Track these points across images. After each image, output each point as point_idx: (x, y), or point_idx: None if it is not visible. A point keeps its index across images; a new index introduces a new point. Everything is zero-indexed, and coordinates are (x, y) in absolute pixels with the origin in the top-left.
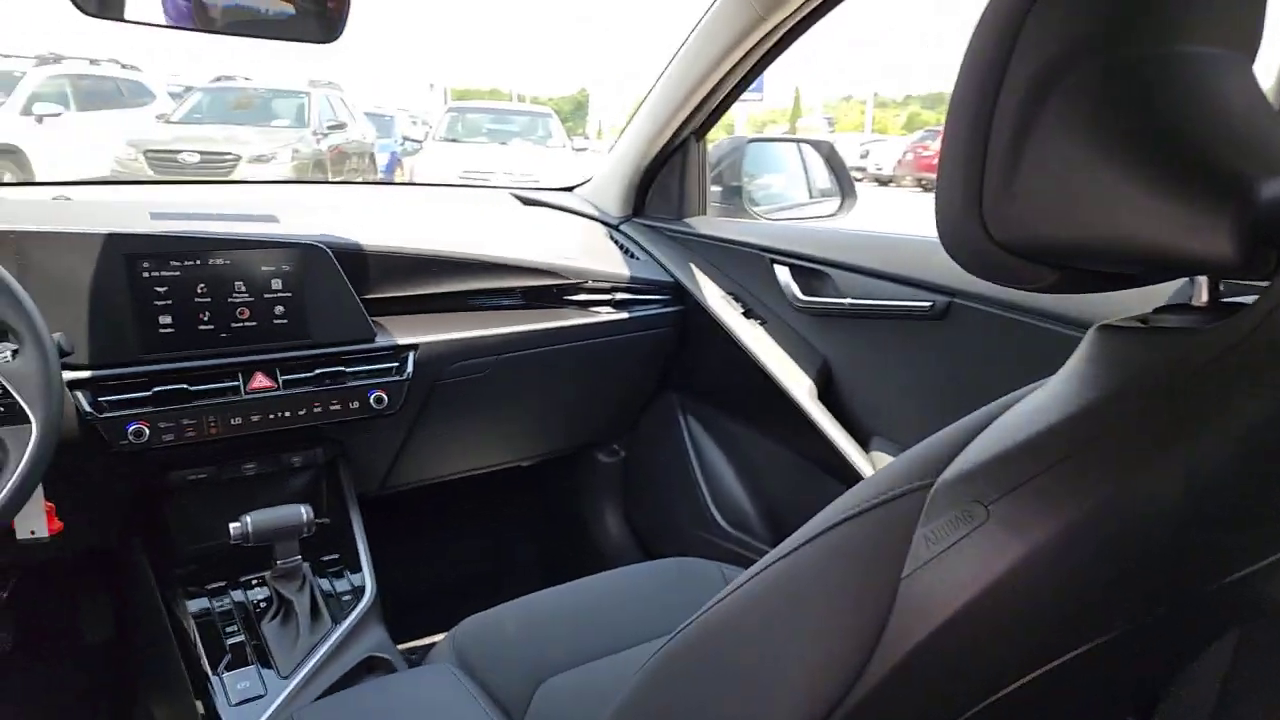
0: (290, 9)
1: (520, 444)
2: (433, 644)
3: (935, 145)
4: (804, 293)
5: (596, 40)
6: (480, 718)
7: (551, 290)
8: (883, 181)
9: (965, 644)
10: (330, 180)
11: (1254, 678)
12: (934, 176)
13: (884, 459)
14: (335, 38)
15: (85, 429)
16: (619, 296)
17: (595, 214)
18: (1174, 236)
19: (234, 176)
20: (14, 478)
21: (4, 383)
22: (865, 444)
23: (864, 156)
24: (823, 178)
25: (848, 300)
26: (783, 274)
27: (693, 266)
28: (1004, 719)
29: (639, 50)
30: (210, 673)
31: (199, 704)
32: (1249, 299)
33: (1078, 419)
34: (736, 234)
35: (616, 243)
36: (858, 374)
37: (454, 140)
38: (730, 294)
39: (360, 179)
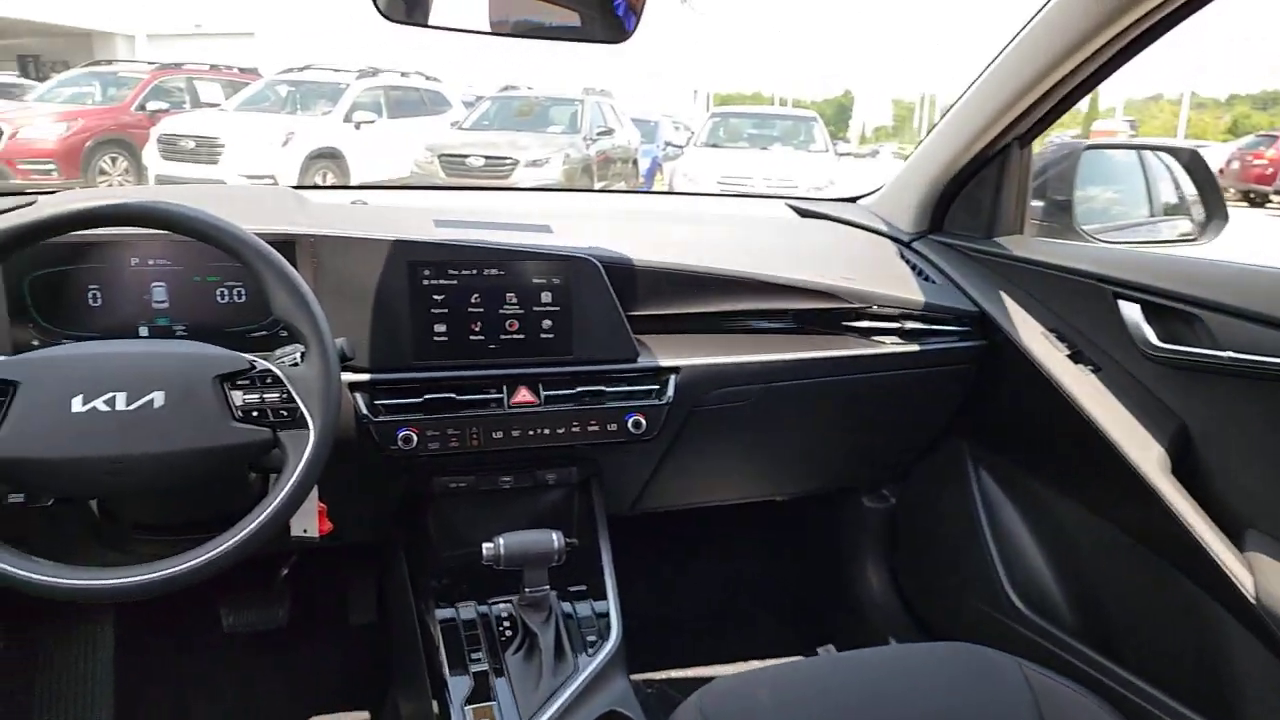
0: (577, 14)
1: (778, 478)
2: (667, 679)
3: (1271, 153)
4: (1161, 338)
5: (860, 42)
6: None
7: (829, 314)
8: None
9: None
10: (604, 190)
11: None
12: (1266, 189)
13: (1265, 561)
14: (626, 37)
15: (361, 431)
16: (909, 325)
17: (884, 229)
18: None
19: (511, 179)
20: (291, 481)
21: (290, 388)
22: (1237, 538)
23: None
24: (1169, 192)
25: (1227, 353)
26: (1130, 312)
27: (1004, 295)
28: None
29: (901, 52)
30: (452, 694)
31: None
32: None
33: None
34: (1067, 259)
35: (908, 263)
36: (1231, 447)
37: (715, 145)
38: (1053, 331)
39: (623, 183)
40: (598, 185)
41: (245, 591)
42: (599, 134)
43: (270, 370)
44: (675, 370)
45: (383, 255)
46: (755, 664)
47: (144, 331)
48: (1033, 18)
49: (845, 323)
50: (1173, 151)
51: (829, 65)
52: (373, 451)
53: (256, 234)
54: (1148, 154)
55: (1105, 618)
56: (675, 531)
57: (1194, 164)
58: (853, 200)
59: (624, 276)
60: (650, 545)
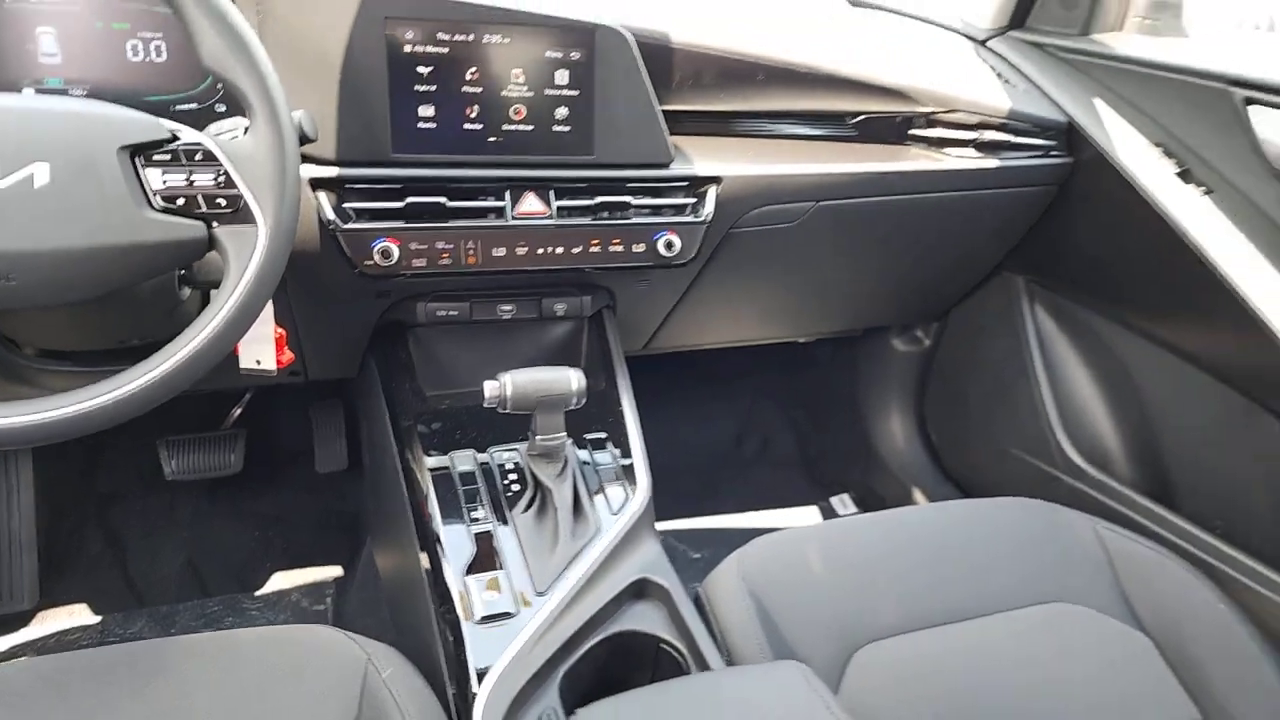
0: None
1: (808, 316)
2: (678, 531)
3: None
4: None
5: None
6: None
7: (894, 121)
8: None
9: None
10: None
11: None
12: None
13: None
14: None
15: (326, 241)
16: (986, 136)
17: (954, 24)
18: None
19: None
20: (236, 292)
21: (229, 168)
22: None
23: None
24: None
25: None
26: (1266, 121)
27: (1098, 103)
28: None
29: None
30: (447, 555)
31: (429, 583)
32: None
33: None
34: (1183, 58)
35: (986, 64)
36: None
37: None
38: (1158, 145)
39: None
40: None
41: (191, 434)
42: None
43: (201, 144)
44: (717, 181)
45: (351, 9)
46: (772, 514)
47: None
48: None
49: (913, 132)
50: None
51: None
52: (342, 268)
53: None
54: None
55: (1185, 475)
56: (684, 373)
57: None
58: None
59: (659, 58)
60: (656, 388)
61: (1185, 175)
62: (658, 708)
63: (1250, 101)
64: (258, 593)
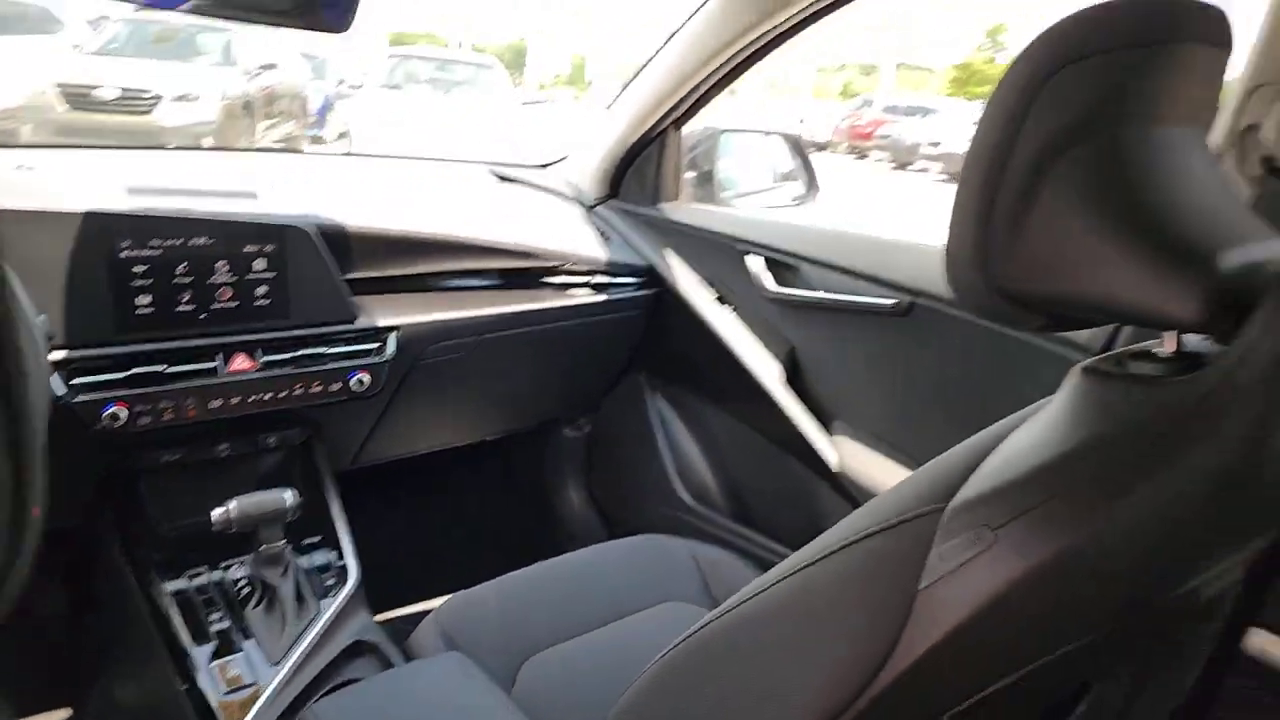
0: None
1: (490, 420)
2: (410, 614)
3: (869, 114)
4: (775, 283)
5: None
6: (495, 704)
7: (529, 272)
8: (818, 146)
9: (967, 649)
10: (305, 150)
11: (1158, 676)
12: (867, 144)
13: (845, 442)
14: (346, 28)
15: (60, 411)
16: (596, 279)
17: (572, 195)
18: (1149, 297)
19: (155, 115)
20: None
21: None
22: (827, 426)
23: (801, 123)
24: (786, 164)
25: (817, 293)
26: (754, 264)
27: (667, 252)
28: (978, 716)
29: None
30: (195, 658)
31: (182, 687)
32: (1205, 348)
33: (1071, 457)
34: (709, 223)
35: (593, 225)
36: (823, 363)
37: (395, 87)
38: (705, 279)
39: (292, 123)
40: (263, 124)
41: None
42: (261, 67)
43: None
44: (395, 328)
45: (73, 229)
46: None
47: None
48: (690, 18)
49: (543, 279)
50: (784, 136)
51: (504, 8)
52: (74, 431)
53: None
54: (774, 136)
55: (746, 498)
56: (399, 481)
57: (795, 146)
58: (545, 167)
59: (338, 241)
60: (375, 498)
61: (721, 300)
62: (356, 696)
63: (745, 251)
64: None
